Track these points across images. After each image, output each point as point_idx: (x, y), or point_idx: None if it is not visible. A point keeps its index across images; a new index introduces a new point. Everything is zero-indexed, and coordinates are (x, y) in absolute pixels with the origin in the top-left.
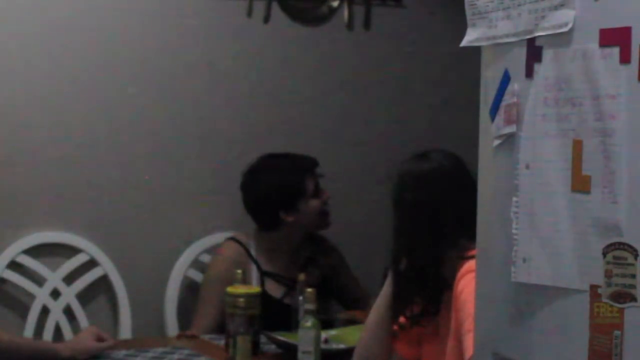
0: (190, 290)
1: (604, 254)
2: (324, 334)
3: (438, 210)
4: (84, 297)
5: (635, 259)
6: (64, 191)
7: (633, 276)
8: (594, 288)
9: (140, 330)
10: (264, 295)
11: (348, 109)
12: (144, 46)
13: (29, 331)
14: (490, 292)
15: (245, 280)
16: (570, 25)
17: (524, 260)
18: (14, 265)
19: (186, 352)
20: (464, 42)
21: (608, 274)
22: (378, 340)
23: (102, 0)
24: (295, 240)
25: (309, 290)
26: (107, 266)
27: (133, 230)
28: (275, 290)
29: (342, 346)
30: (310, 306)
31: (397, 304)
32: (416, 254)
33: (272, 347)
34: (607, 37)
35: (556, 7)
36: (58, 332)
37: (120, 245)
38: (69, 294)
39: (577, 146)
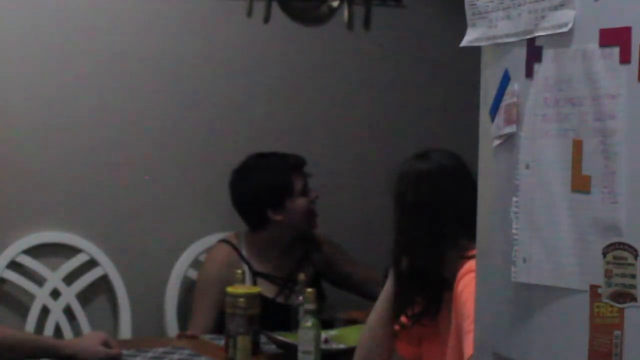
0: (190, 290)
1: (604, 254)
2: (324, 334)
3: (438, 210)
4: (84, 297)
5: (635, 259)
6: (64, 191)
7: (633, 276)
8: (594, 288)
9: (140, 330)
10: None
11: (348, 109)
12: (144, 46)
13: (29, 331)
14: (490, 292)
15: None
16: (570, 25)
17: (524, 260)
18: (14, 265)
19: (186, 352)
20: (464, 42)
21: (608, 274)
22: (378, 340)
23: (102, 1)
24: (284, 240)
25: (309, 290)
26: (107, 266)
27: (133, 230)
28: (267, 290)
29: (342, 346)
30: (310, 306)
31: (398, 304)
32: (417, 254)
33: (272, 347)
34: (607, 37)
35: (556, 7)
36: (58, 332)
37: (120, 245)
38: (69, 294)
39: (577, 146)
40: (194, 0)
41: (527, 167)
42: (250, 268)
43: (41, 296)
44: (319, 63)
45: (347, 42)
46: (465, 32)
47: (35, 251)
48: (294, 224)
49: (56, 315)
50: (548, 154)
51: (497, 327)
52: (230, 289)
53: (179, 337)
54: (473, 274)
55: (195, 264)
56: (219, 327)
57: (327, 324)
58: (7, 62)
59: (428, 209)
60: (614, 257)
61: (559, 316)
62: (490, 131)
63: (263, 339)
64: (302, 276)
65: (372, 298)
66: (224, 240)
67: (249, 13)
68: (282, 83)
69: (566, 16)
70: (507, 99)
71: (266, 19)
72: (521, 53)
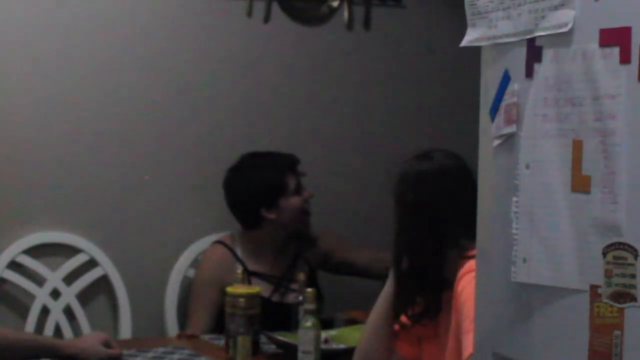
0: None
1: (604, 254)
2: (324, 334)
3: (439, 210)
4: (84, 297)
5: (635, 259)
6: (64, 191)
7: (633, 276)
8: (594, 288)
9: (140, 330)
10: None
11: (348, 109)
12: (144, 46)
13: (29, 331)
14: (490, 292)
15: (232, 282)
16: (570, 25)
17: (524, 260)
18: (14, 265)
19: (186, 352)
20: (464, 42)
21: (608, 274)
22: (378, 340)
23: (102, 1)
24: (278, 239)
25: (309, 290)
26: (107, 266)
27: (133, 230)
28: (262, 289)
29: (342, 346)
30: (310, 306)
31: (398, 304)
32: (417, 254)
33: (272, 347)
34: (607, 37)
35: (556, 7)
36: (58, 332)
37: (120, 245)
38: (69, 294)
39: (577, 146)
40: (194, 0)
41: (527, 167)
42: (245, 268)
43: (41, 296)
44: (319, 63)
45: (347, 42)
46: (465, 32)
47: (35, 251)
48: (287, 222)
49: (56, 315)
50: (548, 154)
51: (497, 327)
52: (230, 289)
53: (179, 337)
54: (473, 274)
55: (195, 264)
56: (218, 327)
57: (327, 324)
58: (8, 63)
59: (429, 208)
60: (614, 257)
61: (559, 316)
62: (490, 131)
63: (263, 339)
64: (302, 276)
65: (377, 278)
66: (218, 242)
67: (249, 13)
68: (281, 83)
69: (566, 16)
70: (507, 99)
71: (266, 19)
72: (521, 53)
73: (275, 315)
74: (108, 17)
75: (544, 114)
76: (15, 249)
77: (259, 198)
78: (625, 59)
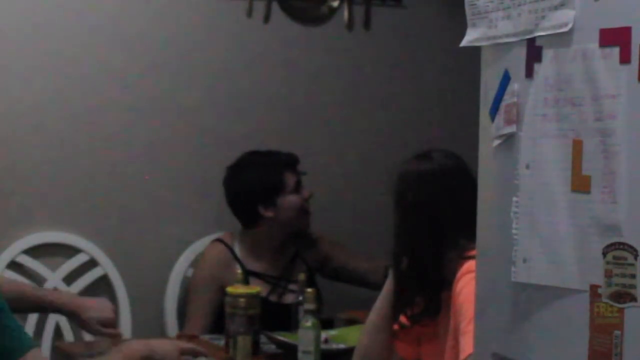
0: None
1: (604, 254)
2: (324, 334)
3: (439, 210)
4: (84, 297)
5: (635, 259)
6: (64, 191)
7: (633, 276)
8: (594, 288)
9: (140, 330)
10: None
11: (348, 109)
12: (143, 46)
13: (28, 331)
14: (490, 292)
15: (230, 281)
16: (570, 25)
17: (524, 260)
18: (14, 265)
19: None
20: (464, 42)
21: (608, 274)
22: (378, 340)
23: (102, 1)
24: (277, 238)
25: (309, 290)
26: (107, 266)
27: (133, 230)
28: (260, 289)
29: (342, 346)
30: (310, 306)
31: (398, 304)
32: (417, 254)
33: (272, 347)
34: (607, 37)
35: (556, 7)
36: (58, 332)
37: (120, 245)
38: None
39: (577, 146)
40: (194, 1)
41: (527, 167)
42: (243, 267)
43: None
44: (319, 63)
45: (347, 42)
46: (465, 32)
47: (35, 251)
48: (285, 221)
49: (56, 315)
50: (548, 154)
51: (497, 327)
52: (230, 289)
53: (179, 337)
54: (472, 275)
55: (195, 264)
56: (218, 327)
57: (327, 324)
58: (8, 63)
59: (428, 209)
60: (614, 257)
61: (559, 316)
62: (490, 131)
63: (263, 339)
64: (302, 276)
65: (374, 287)
66: (217, 240)
67: (249, 13)
68: (281, 83)
69: (566, 16)
70: (507, 99)
71: (266, 19)
72: (521, 53)
73: (272, 315)
74: (108, 17)
75: (544, 114)
76: (15, 249)
77: (257, 195)
78: (625, 59)
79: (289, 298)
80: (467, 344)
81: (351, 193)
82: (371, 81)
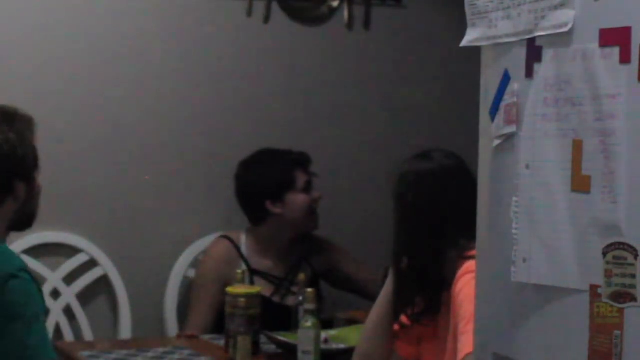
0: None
1: (604, 254)
2: (324, 334)
3: (439, 210)
4: (84, 297)
5: (635, 259)
6: (64, 191)
7: (633, 276)
8: (594, 288)
9: (140, 330)
10: None
11: (348, 109)
12: (144, 46)
13: None
14: (490, 292)
15: (235, 279)
16: (570, 25)
17: (524, 260)
18: None
19: (186, 352)
20: (464, 42)
21: (608, 274)
22: (378, 340)
23: (103, 1)
24: (283, 238)
25: (309, 290)
26: (107, 266)
27: (133, 230)
28: (264, 289)
29: (342, 346)
30: (310, 306)
31: (398, 304)
32: (417, 254)
33: (272, 347)
34: (607, 37)
35: (556, 7)
36: (58, 332)
37: (120, 245)
38: (69, 294)
39: (577, 146)
40: (194, 1)
41: (527, 167)
42: (249, 266)
43: None
44: (319, 63)
45: (347, 42)
46: (465, 32)
47: (35, 251)
48: (292, 219)
49: (56, 315)
50: (548, 154)
51: (497, 327)
52: (230, 289)
53: (179, 337)
54: (471, 275)
55: (195, 264)
56: (218, 326)
57: (327, 324)
58: (8, 62)
59: (429, 209)
60: (614, 257)
61: (559, 316)
62: (490, 131)
63: (263, 339)
64: (302, 276)
65: (374, 299)
66: (224, 236)
67: (249, 13)
68: (282, 83)
69: (566, 16)
70: (507, 99)
71: (266, 19)
72: (521, 53)
73: (274, 316)
74: (108, 17)
75: (544, 114)
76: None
77: (266, 190)
78: (625, 59)
79: (292, 300)
80: (465, 344)
81: (349, 193)
82: (371, 81)
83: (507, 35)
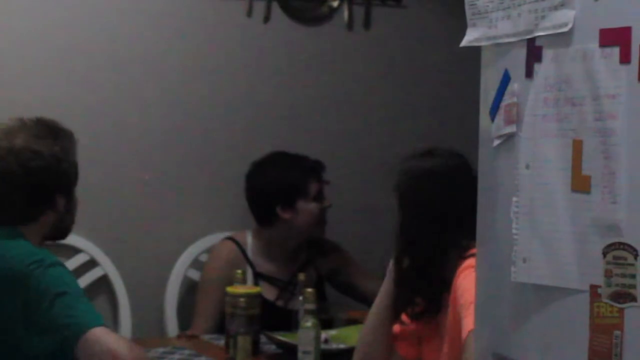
0: (190, 290)
1: (604, 254)
2: (324, 334)
3: (440, 209)
4: None
5: (635, 259)
6: None
7: (633, 276)
8: (594, 288)
9: (140, 330)
10: None
11: (348, 109)
12: (144, 46)
13: None
14: (490, 292)
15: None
16: (570, 25)
17: (524, 260)
18: None
19: (186, 352)
20: (464, 42)
21: (608, 274)
22: (378, 339)
23: (103, 1)
24: (290, 242)
25: (309, 290)
26: (107, 266)
27: (133, 231)
28: (268, 292)
29: (342, 346)
30: (310, 306)
31: (398, 303)
32: (418, 253)
33: (272, 347)
34: (607, 37)
35: (556, 7)
36: None
37: (120, 245)
38: None
39: (577, 146)
40: (194, 0)
41: (527, 167)
42: (253, 269)
43: None
44: (319, 63)
45: (347, 42)
46: (465, 32)
47: None
48: (301, 226)
49: None
50: (548, 154)
51: (497, 327)
52: (230, 289)
53: (179, 337)
54: (471, 269)
55: (195, 264)
56: (222, 327)
57: (327, 324)
58: (8, 63)
59: (431, 207)
60: (614, 257)
61: (559, 316)
62: (490, 131)
63: (263, 339)
64: (302, 276)
65: None
66: (230, 238)
67: (249, 13)
68: (282, 83)
69: (566, 16)
70: (507, 99)
71: (266, 19)
72: (521, 53)
73: (278, 320)
74: (108, 17)
75: (543, 114)
76: None
77: (278, 195)
78: (625, 59)
79: (295, 304)
80: (469, 323)
81: (350, 193)
82: (371, 81)
83: (507, 35)
